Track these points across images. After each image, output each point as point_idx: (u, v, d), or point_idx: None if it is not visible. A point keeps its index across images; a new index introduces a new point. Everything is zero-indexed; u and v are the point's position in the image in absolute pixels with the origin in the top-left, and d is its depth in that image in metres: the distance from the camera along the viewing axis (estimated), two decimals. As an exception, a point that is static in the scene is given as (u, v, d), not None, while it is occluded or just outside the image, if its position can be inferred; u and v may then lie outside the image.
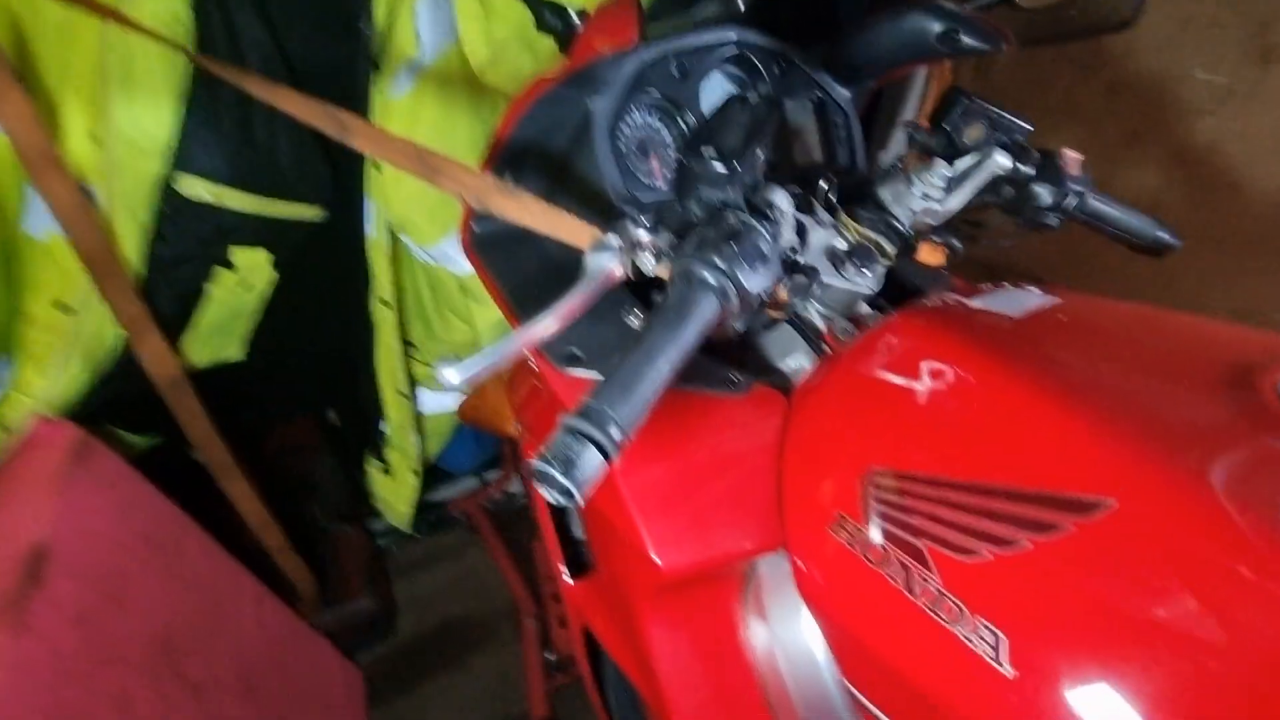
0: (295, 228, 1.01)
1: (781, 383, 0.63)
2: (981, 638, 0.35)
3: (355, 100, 0.95)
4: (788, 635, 0.52)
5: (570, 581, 0.72)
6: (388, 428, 1.28)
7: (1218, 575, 0.32)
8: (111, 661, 0.86)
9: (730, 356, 0.71)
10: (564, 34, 0.60)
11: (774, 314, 0.59)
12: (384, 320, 1.13)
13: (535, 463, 0.35)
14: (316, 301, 1.18)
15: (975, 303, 0.52)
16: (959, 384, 0.44)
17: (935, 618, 0.37)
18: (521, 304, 0.64)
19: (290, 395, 1.45)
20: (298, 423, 1.72)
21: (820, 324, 0.65)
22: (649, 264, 0.49)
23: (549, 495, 0.35)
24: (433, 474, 1.93)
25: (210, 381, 1.04)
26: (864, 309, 0.68)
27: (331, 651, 1.37)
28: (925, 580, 0.38)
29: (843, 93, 0.84)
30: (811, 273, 0.59)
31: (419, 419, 1.34)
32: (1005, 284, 0.56)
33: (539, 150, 0.68)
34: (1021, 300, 0.51)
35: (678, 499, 0.52)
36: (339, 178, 1.01)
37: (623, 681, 0.68)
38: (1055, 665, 0.34)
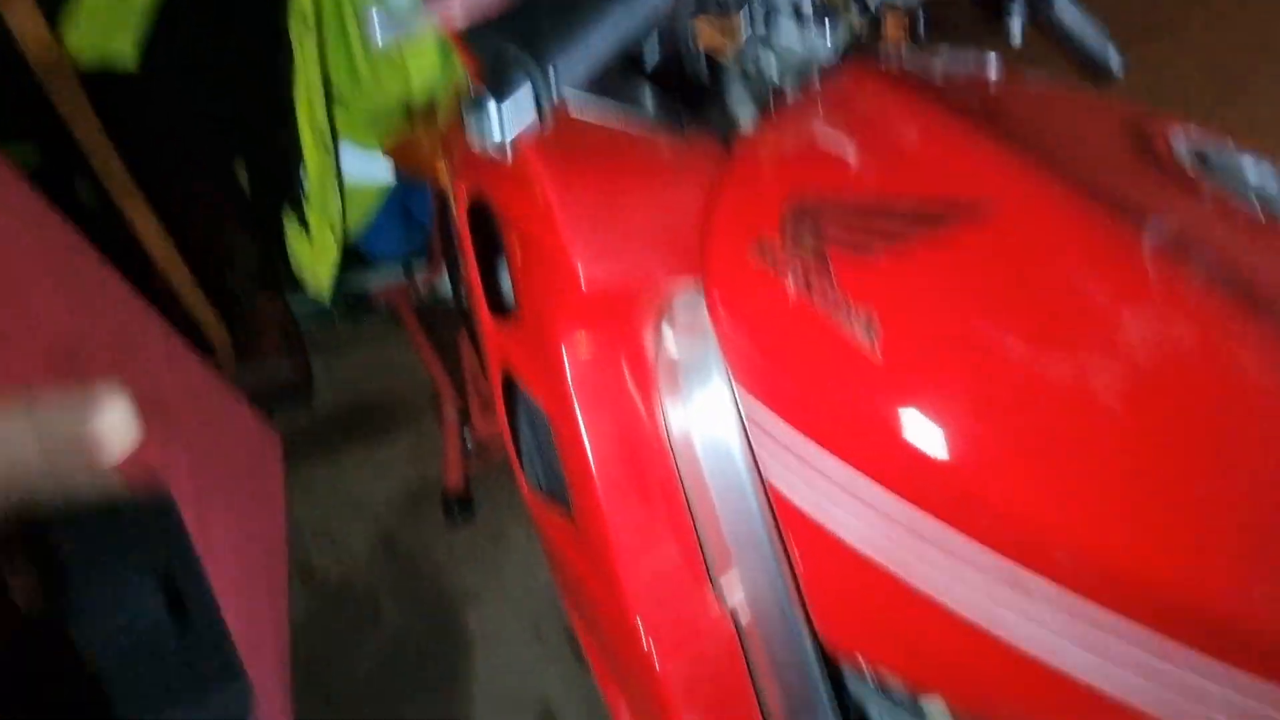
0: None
1: (724, 135, 0.63)
2: (861, 327, 0.40)
3: None
4: (703, 408, 0.56)
5: (492, 321, 0.74)
6: (306, 180, 1.20)
7: (1089, 276, 0.36)
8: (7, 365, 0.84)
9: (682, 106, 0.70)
10: None
11: (724, 55, 0.57)
12: (303, 43, 1.02)
13: (468, 97, 0.34)
14: (225, 10, 1.04)
15: (912, 61, 0.53)
16: (883, 122, 0.46)
17: (826, 314, 0.41)
18: None
19: (198, 132, 1.32)
20: (207, 192, 1.59)
21: (773, 81, 0.65)
22: None
23: (476, 134, 0.34)
24: (356, 260, 1.88)
25: (105, 99, 0.93)
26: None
27: (247, 409, 1.38)
28: (823, 280, 0.41)
29: None
30: (768, 12, 0.57)
31: (341, 184, 1.27)
32: (946, 46, 0.57)
33: None
34: (959, 62, 0.53)
35: (606, 219, 0.53)
36: None
37: (536, 426, 0.73)
38: (921, 357, 0.38)
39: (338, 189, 1.23)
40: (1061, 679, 0.37)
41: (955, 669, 0.43)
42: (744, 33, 0.56)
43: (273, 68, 1.06)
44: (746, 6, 0.56)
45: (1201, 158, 0.42)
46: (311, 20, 1.00)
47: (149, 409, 1.01)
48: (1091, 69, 0.76)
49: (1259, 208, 0.39)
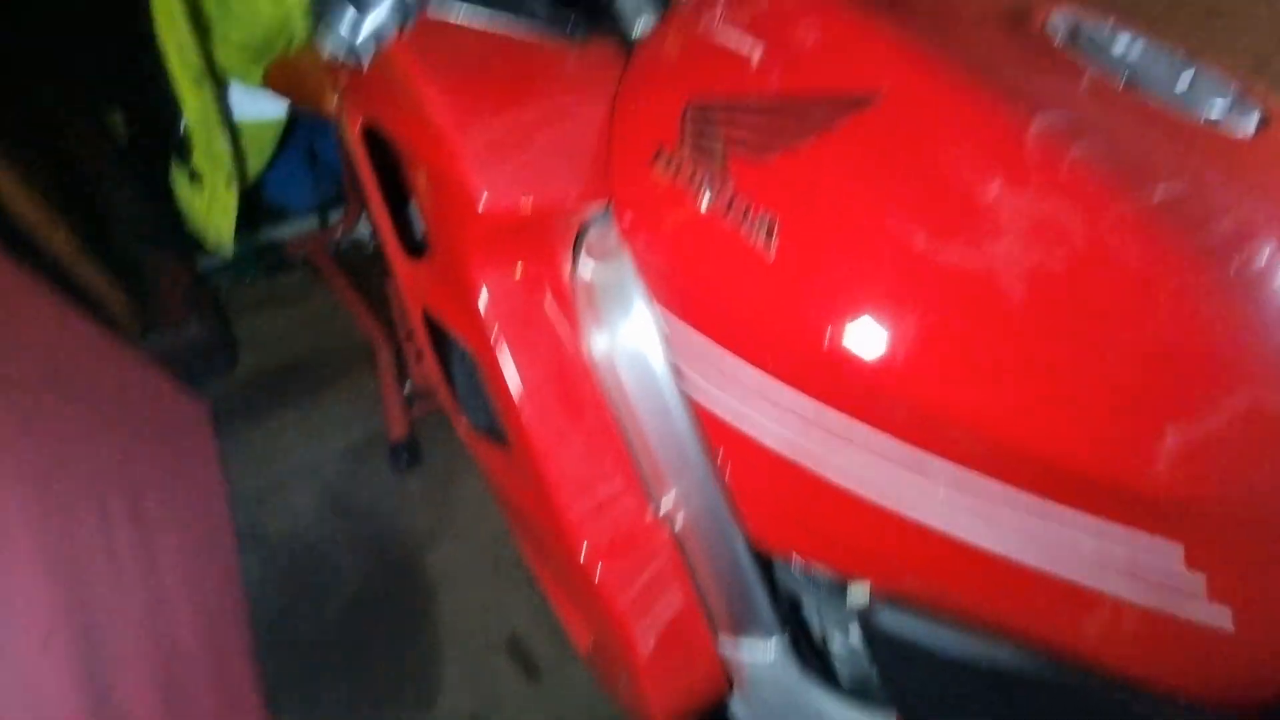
0: None
1: (625, 41, 0.60)
2: (761, 232, 0.39)
3: None
4: (623, 330, 0.55)
5: (406, 262, 0.71)
6: (187, 123, 1.09)
7: (976, 163, 0.37)
8: None
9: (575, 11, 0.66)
10: None
11: None
12: None
13: None
14: None
15: None
16: (779, 16, 0.44)
17: (728, 221, 0.40)
18: None
19: (61, 78, 1.18)
20: (82, 145, 1.44)
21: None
22: None
23: (325, 37, 0.31)
24: (265, 212, 1.76)
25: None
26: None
27: (164, 379, 1.31)
28: (724, 187, 0.41)
29: None
30: None
31: (233, 126, 1.16)
32: None
33: None
34: None
35: (508, 144, 0.50)
36: None
37: (465, 365, 0.71)
38: (816, 256, 0.39)
39: (226, 130, 1.12)
40: (965, 549, 0.40)
41: (873, 553, 0.46)
42: None
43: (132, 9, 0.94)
44: None
45: (1075, 34, 0.42)
46: None
47: (46, 377, 0.94)
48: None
49: (1126, 81, 0.40)
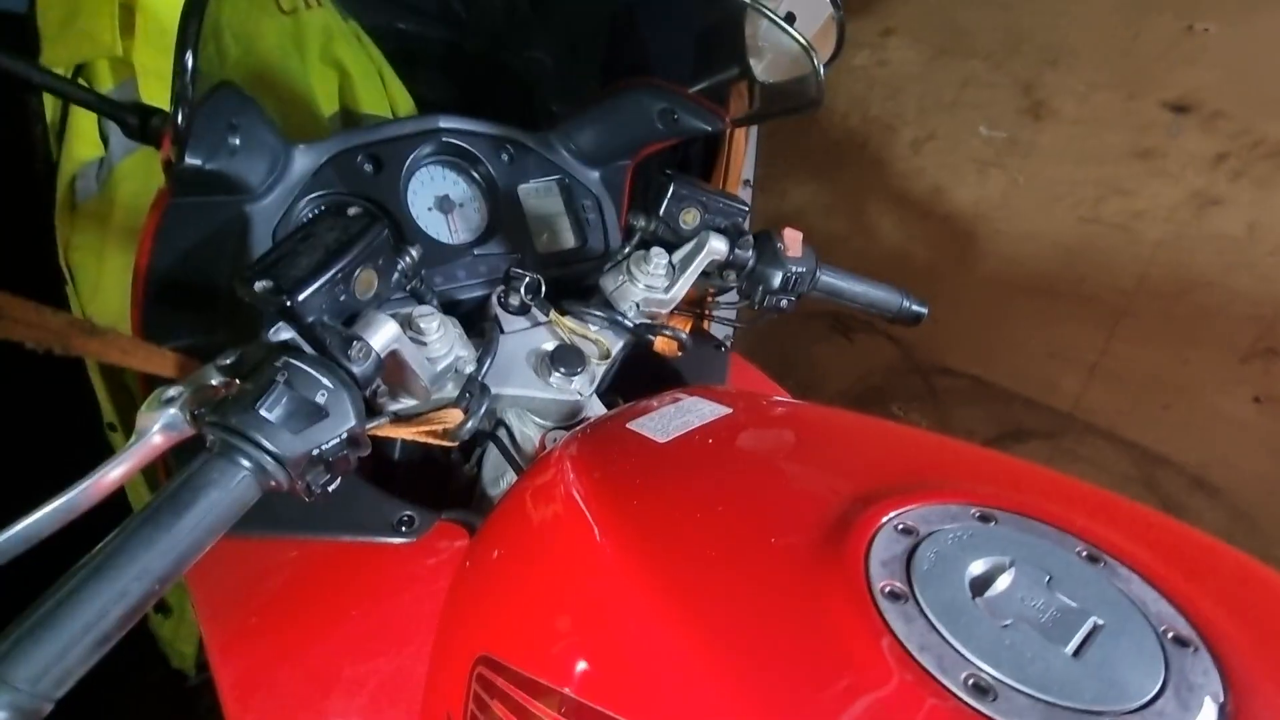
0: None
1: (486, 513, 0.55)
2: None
3: (33, 200, 0.82)
4: None
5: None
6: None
7: None
8: None
9: (428, 483, 0.62)
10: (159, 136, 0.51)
11: (442, 441, 0.51)
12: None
13: None
14: (35, 432, 1.02)
15: (634, 425, 0.46)
16: (568, 558, 0.37)
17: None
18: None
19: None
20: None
21: (533, 438, 0.58)
22: None
23: None
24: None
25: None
26: (597, 412, 0.62)
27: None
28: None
29: (589, 174, 0.80)
30: (482, 391, 0.52)
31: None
32: (679, 395, 0.50)
33: (192, 275, 0.58)
34: (684, 417, 0.45)
35: (300, 710, 0.42)
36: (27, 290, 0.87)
37: None
38: None
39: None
40: None
41: None
42: (464, 420, 0.50)
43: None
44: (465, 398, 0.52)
45: (908, 569, 0.31)
46: (119, 421, 0.98)
47: None
48: (895, 316, 0.73)
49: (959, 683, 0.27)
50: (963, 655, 0.26)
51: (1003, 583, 0.29)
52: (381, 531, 0.50)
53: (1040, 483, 0.38)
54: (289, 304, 0.38)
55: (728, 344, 0.85)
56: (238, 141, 0.49)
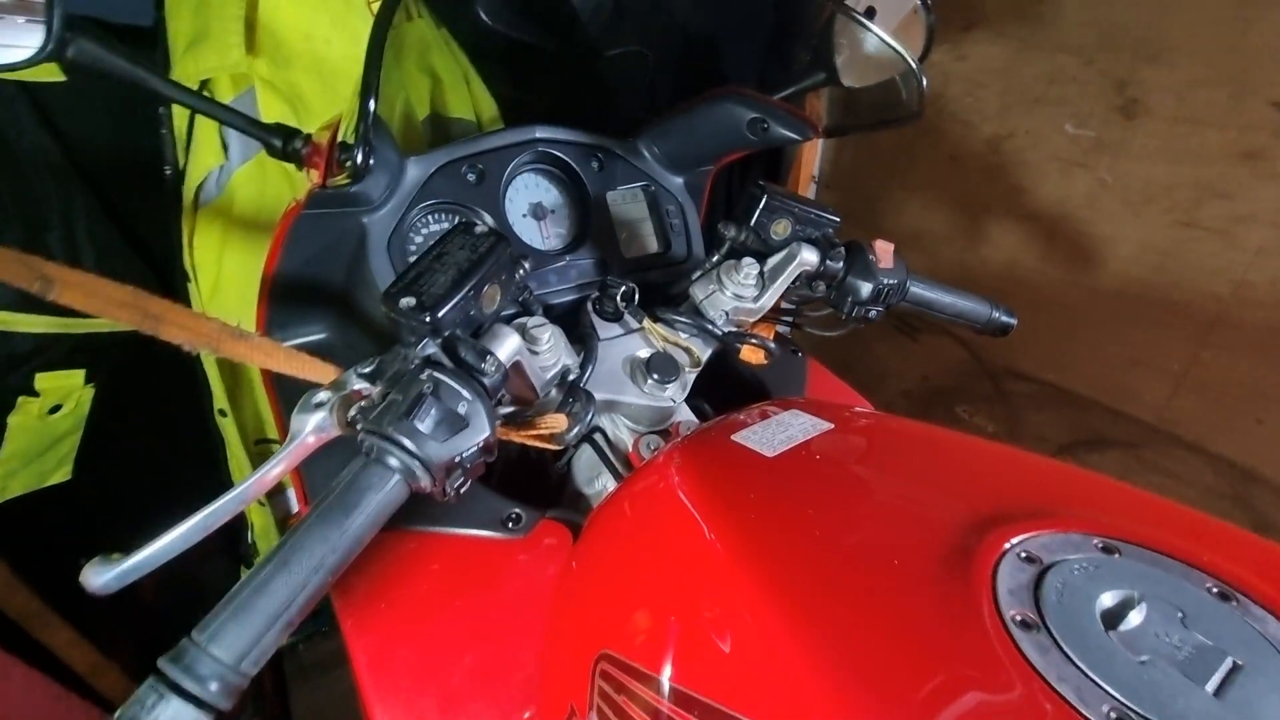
0: (112, 343, 0.95)
1: (584, 512, 0.57)
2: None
3: (161, 204, 0.89)
4: None
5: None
6: (253, 536, 1.19)
7: None
8: None
9: (530, 483, 0.65)
10: (298, 156, 0.55)
11: (549, 445, 0.53)
12: (227, 431, 1.06)
13: None
14: (152, 417, 1.10)
15: (738, 438, 0.47)
16: (688, 566, 0.39)
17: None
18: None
19: (136, 518, 1.34)
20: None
21: (627, 441, 0.60)
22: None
23: None
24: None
25: (36, 508, 0.95)
26: (685, 417, 0.64)
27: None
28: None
29: (673, 180, 0.81)
30: (587, 399, 0.54)
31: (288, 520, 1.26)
32: (772, 408, 0.51)
33: (314, 278, 0.63)
34: (786, 431, 0.47)
35: (424, 683, 0.46)
36: (156, 286, 0.95)
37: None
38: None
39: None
40: None
41: None
42: (568, 426, 0.53)
43: (204, 457, 1.10)
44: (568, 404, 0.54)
45: (1036, 598, 0.32)
46: (229, 408, 1.06)
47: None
48: (984, 327, 0.72)
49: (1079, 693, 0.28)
50: (1103, 688, 0.27)
51: (1135, 618, 0.30)
52: (492, 527, 0.54)
53: (1163, 514, 0.38)
54: (429, 320, 0.41)
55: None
56: (372, 163, 0.52)
